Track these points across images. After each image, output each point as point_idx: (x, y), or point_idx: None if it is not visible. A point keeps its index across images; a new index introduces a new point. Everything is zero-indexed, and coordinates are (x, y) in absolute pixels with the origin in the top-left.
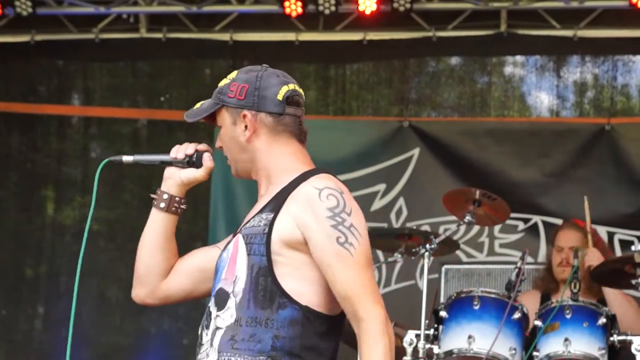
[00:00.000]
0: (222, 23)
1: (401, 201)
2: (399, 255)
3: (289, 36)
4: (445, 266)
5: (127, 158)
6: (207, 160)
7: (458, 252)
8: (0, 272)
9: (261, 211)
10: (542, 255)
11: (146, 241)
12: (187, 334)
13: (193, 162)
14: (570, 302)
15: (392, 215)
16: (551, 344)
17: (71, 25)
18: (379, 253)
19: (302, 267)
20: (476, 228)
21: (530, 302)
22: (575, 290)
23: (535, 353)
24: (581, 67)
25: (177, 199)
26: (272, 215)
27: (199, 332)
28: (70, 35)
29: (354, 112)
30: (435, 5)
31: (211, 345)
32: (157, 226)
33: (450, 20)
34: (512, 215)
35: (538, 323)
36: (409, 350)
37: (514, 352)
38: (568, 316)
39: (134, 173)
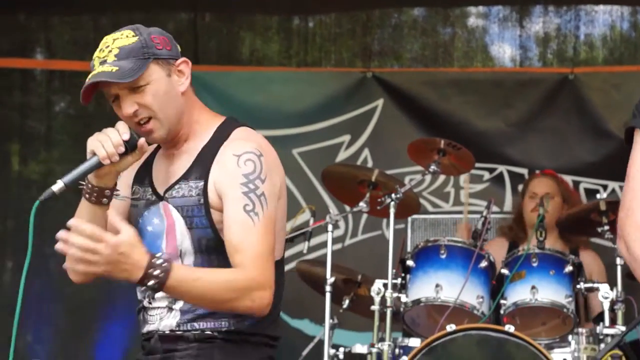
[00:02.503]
0: None
1: (366, 152)
2: (364, 205)
3: None
4: (412, 216)
5: (57, 186)
6: (144, 143)
7: (424, 202)
8: None
9: (186, 177)
10: (507, 205)
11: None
12: None
13: (127, 148)
14: (537, 251)
15: None
16: (518, 292)
17: None
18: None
19: None
20: (442, 178)
21: (497, 250)
22: (541, 239)
23: (502, 301)
24: (544, 17)
25: (116, 190)
26: (202, 184)
27: (141, 297)
28: None
29: (317, 64)
30: None
31: (170, 310)
32: (101, 221)
33: None
34: (477, 165)
35: (505, 271)
36: (377, 299)
37: (481, 300)
38: (534, 264)
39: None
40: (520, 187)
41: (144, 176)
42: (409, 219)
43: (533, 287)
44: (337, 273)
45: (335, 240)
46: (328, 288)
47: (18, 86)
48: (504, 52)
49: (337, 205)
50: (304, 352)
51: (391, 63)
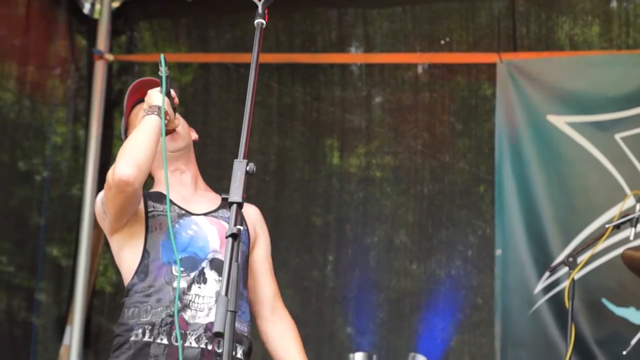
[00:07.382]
0: None
1: None
2: None
3: None
4: None
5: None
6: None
7: None
8: (290, 222)
9: (223, 207)
10: None
11: (154, 140)
12: (476, 277)
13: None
14: None
15: None
16: None
17: None
18: None
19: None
20: None
21: None
22: None
23: None
24: None
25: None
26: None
27: (187, 285)
28: None
29: (638, 46)
30: None
31: None
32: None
33: None
34: None
35: None
36: None
37: None
38: None
39: (418, 119)
40: None
41: (159, 199)
42: None
43: None
44: None
45: None
46: None
47: (337, 81)
48: None
49: None
50: (633, 341)
51: None
